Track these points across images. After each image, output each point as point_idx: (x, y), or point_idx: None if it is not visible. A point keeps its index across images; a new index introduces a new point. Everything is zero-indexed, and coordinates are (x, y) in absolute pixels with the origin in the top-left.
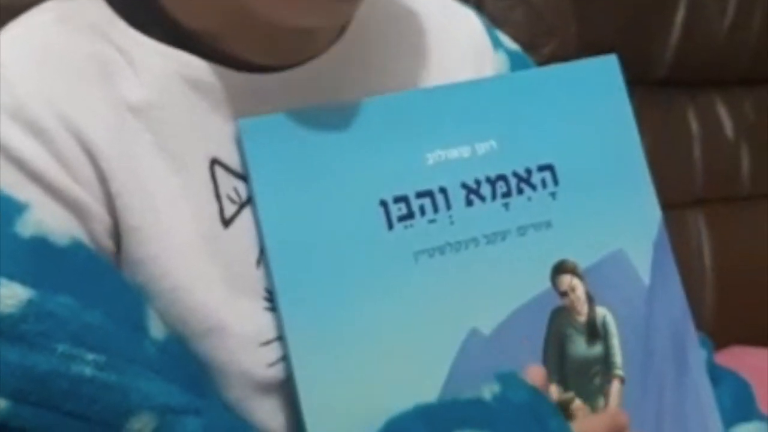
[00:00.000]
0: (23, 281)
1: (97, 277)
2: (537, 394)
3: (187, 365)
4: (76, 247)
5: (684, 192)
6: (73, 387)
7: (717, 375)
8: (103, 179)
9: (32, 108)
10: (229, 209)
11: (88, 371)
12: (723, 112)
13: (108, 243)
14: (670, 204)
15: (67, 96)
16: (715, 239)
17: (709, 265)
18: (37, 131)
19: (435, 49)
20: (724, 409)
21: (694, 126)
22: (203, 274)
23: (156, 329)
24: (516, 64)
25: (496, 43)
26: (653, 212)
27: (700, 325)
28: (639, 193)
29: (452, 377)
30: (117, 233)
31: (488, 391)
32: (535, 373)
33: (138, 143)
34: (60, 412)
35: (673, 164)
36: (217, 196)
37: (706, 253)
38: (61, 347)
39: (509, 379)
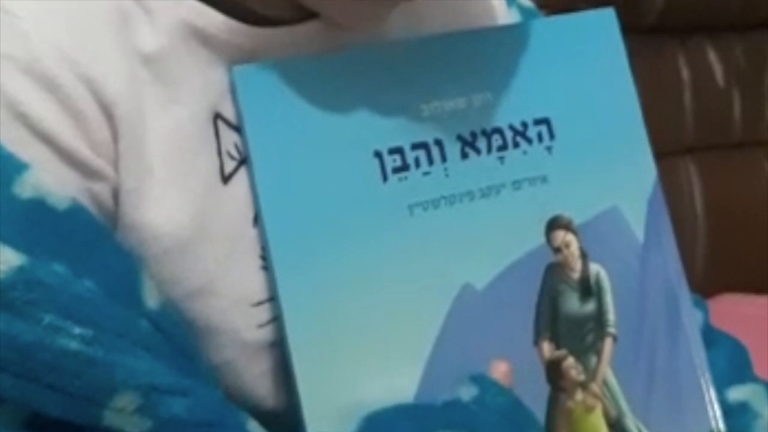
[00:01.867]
0: (16, 246)
1: (94, 244)
2: (514, 399)
3: (180, 337)
4: (75, 211)
5: (675, 140)
6: (56, 360)
7: (713, 337)
8: (116, 138)
9: (48, 63)
10: (229, 166)
11: (73, 345)
12: (714, 59)
13: (112, 205)
14: (660, 152)
15: (85, 50)
16: (706, 187)
17: (700, 213)
18: (52, 88)
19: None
20: (719, 371)
21: (685, 73)
22: (198, 235)
23: (150, 298)
24: (528, 20)
25: None
26: (649, 169)
27: (691, 274)
28: (635, 149)
29: (445, 332)
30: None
31: (466, 393)
32: (500, 370)
33: (146, 97)
34: (41, 385)
35: (664, 112)
36: (219, 153)
37: (697, 201)
38: (48, 318)
39: (484, 382)
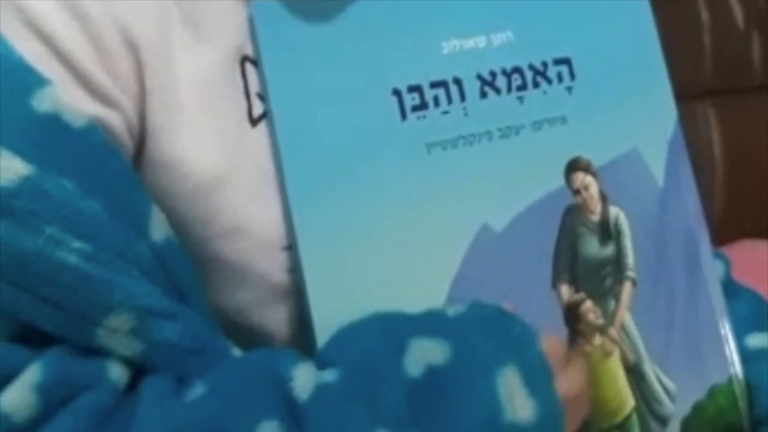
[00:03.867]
0: (27, 156)
1: (105, 166)
2: (502, 310)
3: (180, 272)
4: (90, 130)
5: (693, 83)
6: (54, 273)
7: (735, 289)
8: (140, 74)
9: None
10: (258, 108)
11: (72, 259)
12: (734, 0)
13: (127, 141)
14: (679, 95)
15: None
16: (724, 132)
17: (718, 158)
18: (79, 15)
19: None
20: (740, 318)
21: (704, 15)
22: (227, 175)
23: (157, 231)
24: None
25: None
26: (669, 111)
27: (709, 219)
28: (655, 91)
29: (462, 273)
30: (140, 132)
31: (452, 310)
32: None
33: (175, 36)
34: (36, 296)
35: (683, 54)
36: (247, 94)
37: (715, 146)
38: (49, 230)
39: (476, 302)
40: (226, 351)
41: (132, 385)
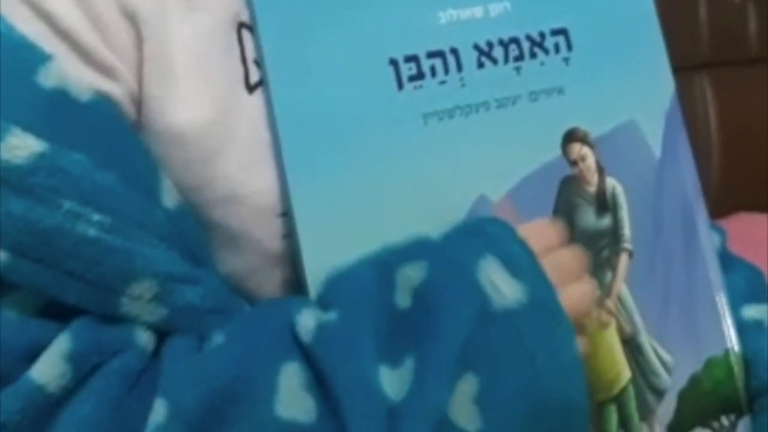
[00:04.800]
0: (38, 133)
1: (114, 137)
2: (482, 218)
3: (193, 236)
4: (97, 103)
5: (689, 55)
6: (75, 246)
7: (731, 261)
8: (139, 43)
9: None
10: (255, 74)
11: (92, 232)
12: None
13: (131, 111)
14: (675, 68)
15: None
16: (721, 103)
17: (714, 130)
18: None
19: None
20: (736, 290)
21: None
22: (223, 142)
23: (168, 197)
24: None
25: None
26: (666, 83)
27: (706, 192)
28: (653, 62)
29: None
30: (140, 102)
31: (436, 234)
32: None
33: (171, 5)
34: (59, 271)
35: (679, 27)
36: (243, 60)
37: (711, 118)
38: (67, 204)
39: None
40: (242, 309)
41: (158, 351)
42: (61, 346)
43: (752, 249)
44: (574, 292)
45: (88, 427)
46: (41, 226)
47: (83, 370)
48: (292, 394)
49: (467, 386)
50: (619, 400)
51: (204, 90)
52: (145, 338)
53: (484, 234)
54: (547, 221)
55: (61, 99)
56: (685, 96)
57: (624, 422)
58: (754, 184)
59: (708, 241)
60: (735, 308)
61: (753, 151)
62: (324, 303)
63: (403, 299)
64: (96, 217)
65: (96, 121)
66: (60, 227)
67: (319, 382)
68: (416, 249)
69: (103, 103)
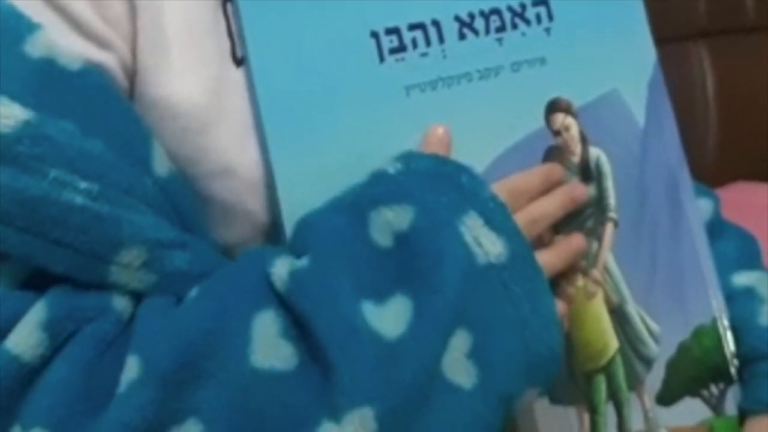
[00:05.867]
0: (25, 102)
1: (104, 106)
2: (439, 158)
3: (184, 204)
4: (87, 72)
5: (687, 24)
6: (62, 214)
7: (723, 228)
8: (133, 15)
9: None
10: (240, 48)
11: (79, 200)
12: None
13: (123, 82)
14: (672, 37)
15: None
16: (718, 72)
17: (712, 99)
18: None
19: None
20: (727, 257)
21: None
22: (214, 115)
23: (160, 165)
24: None
25: None
26: (648, 51)
27: (703, 161)
28: (634, 32)
29: None
30: (133, 73)
31: (391, 167)
32: (436, 134)
33: None
34: (47, 240)
35: None
36: (229, 34)
37: (709, 87)
38: (54, 173)
39: (408, 155)
40: None
41: None
42: (37, 315)
43: (750, 218)
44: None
45: (61, 391)
46: (27, 195)
47: (59, 337)
48: (268, 343)
49: (460, 342)
50: (608, 370)
51: (196, 62)
52: (122, 303)
53: (458, 186)
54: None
55: (49, 68)
56: (682, 65)
57: (613, 392)
58: (752, 152)
59: (693, 208)
60: (726, 275)
61: (751, 120)
62: (296, 250)
63: (383, 238)
64: (83, 184)
65: (86, 90)
66: (46, 195)
67: (299, 329)
68: (388, 189)
69: (93, 72)
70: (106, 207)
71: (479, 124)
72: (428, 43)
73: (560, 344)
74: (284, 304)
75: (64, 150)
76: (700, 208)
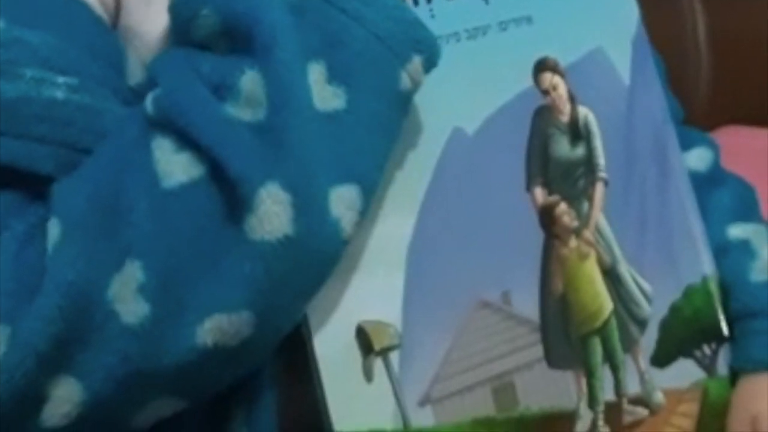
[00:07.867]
0: None
1: (76, 17)
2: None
3: None
4: None
5: None
6: (44, 111)
7: (722, 177)
8: None
9: None
10: None
11: (59, 94)
12: None
13: (100, 12)
14: None
15: None
16: (710, 18)
17: (703, 45)
18: None
19: None
20: (723, 208)
21: None
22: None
23: (133, 76)
24: None
25: None
26: (631, 9)
27: (695, 106)
28: None
29: (437, 178)
30: (116, 8)
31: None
32: None
33: None
34: (30, 138)
35: None
36: None
37: (700, 32)
38: (30, 72)
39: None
40: None
41: None
42: None
43: (741, 162)
44: None
45: None
46: (5, 99)
47: None
48: (168, 162)
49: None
50: (603, 332)
51: None
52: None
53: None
54: None
55: None
56: (673, 11)
57: (609, 355)
58: (744, 97)
59: (680, 165)
60: (722, 226)
61: (742, 65)
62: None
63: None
64: (61, 79)
65: (56, 2)
66: (25, 95)
67: (187, 142)
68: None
69: None
70: (87, 98)
71: (468, 84)
72: (416, 2)
73: None
74: (164, 126)
75: (38, 49)
76: (706, 154)
